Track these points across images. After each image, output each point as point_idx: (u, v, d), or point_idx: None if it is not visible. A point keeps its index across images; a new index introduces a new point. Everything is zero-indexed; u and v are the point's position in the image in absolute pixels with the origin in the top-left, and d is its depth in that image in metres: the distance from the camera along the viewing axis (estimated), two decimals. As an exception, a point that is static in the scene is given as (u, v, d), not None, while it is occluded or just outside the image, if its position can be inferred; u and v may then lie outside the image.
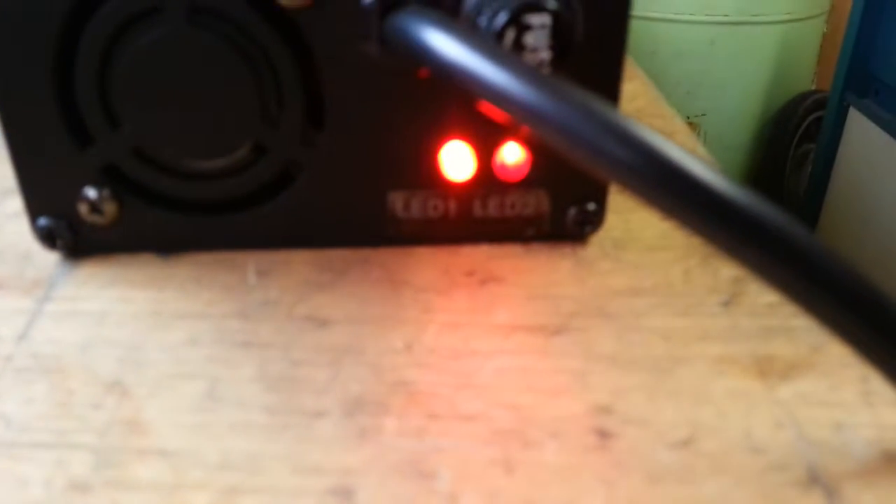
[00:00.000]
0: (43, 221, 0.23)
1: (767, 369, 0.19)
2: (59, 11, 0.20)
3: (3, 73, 0.21)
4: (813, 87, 1.33)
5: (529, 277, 0.23)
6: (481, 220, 0.24)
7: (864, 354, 0.15)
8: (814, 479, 0.16)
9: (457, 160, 0.23)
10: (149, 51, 0.20)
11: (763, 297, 0.21)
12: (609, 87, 0.22)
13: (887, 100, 1.03)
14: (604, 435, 0.17)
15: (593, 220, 0.24)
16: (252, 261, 0.23)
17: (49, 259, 0.23)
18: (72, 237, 0.23)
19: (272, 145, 0.22)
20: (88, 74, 0.21)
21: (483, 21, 0.19)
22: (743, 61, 1.22)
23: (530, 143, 0.22)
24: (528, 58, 0.19)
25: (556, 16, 0.19)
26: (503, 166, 0.23)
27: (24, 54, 0.20)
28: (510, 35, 0.19)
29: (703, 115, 1.35)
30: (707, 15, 1.15)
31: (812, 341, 0.20)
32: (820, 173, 1.15)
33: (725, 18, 1.15)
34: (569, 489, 0.15)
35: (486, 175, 0.23)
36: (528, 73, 0.16)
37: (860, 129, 1.08)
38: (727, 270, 0.23)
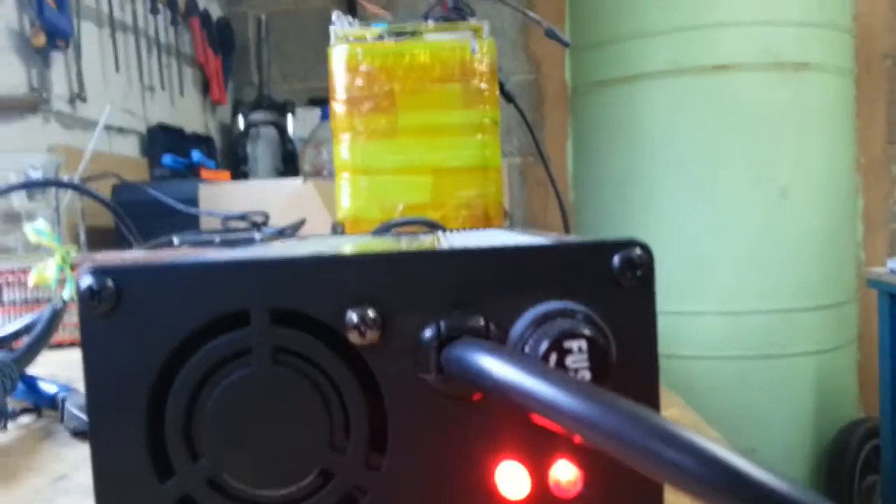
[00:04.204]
0: (114, 555, 0.24)
1: None
2: (159, 357, 0.23)
3: (101, 412, 0.23)
4: (862, 415, 1.32)
5: None
6: (540, 539, 0.24)
7: None
8: None
9: (512, 479, 0.24)
10: (235, 388, 0.23)
11: None
12: (648, 403, 0.23)
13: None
14: None
15: (651, 538, 0.24)
16: (312, 592, 0.23)
17: None
18: (139, 570, 0.24)
19: (338, 471, 0.24)
20: (178, 410, 0.23)
21: (527, 349, 0.22)
22: (781, 393, 1.23)
23: (585, 453, 0.24)
24: (571, 377, 0.21)
25: (591, 340, 0.21)
26: (557, 484, 0.24)
27: (124, 394, 0.23)
28: (552, 359, 0.21)
29: (753, 449, 1.33)
30: (736, 349, 1.19)
31: None
32: (889, 505, 1.09)
33: (754, 353, 1.19)
34: None
35: (542, 493, 0.24)
36: (575, 385, 0.18)
37: (920, 456, 1.05)
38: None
